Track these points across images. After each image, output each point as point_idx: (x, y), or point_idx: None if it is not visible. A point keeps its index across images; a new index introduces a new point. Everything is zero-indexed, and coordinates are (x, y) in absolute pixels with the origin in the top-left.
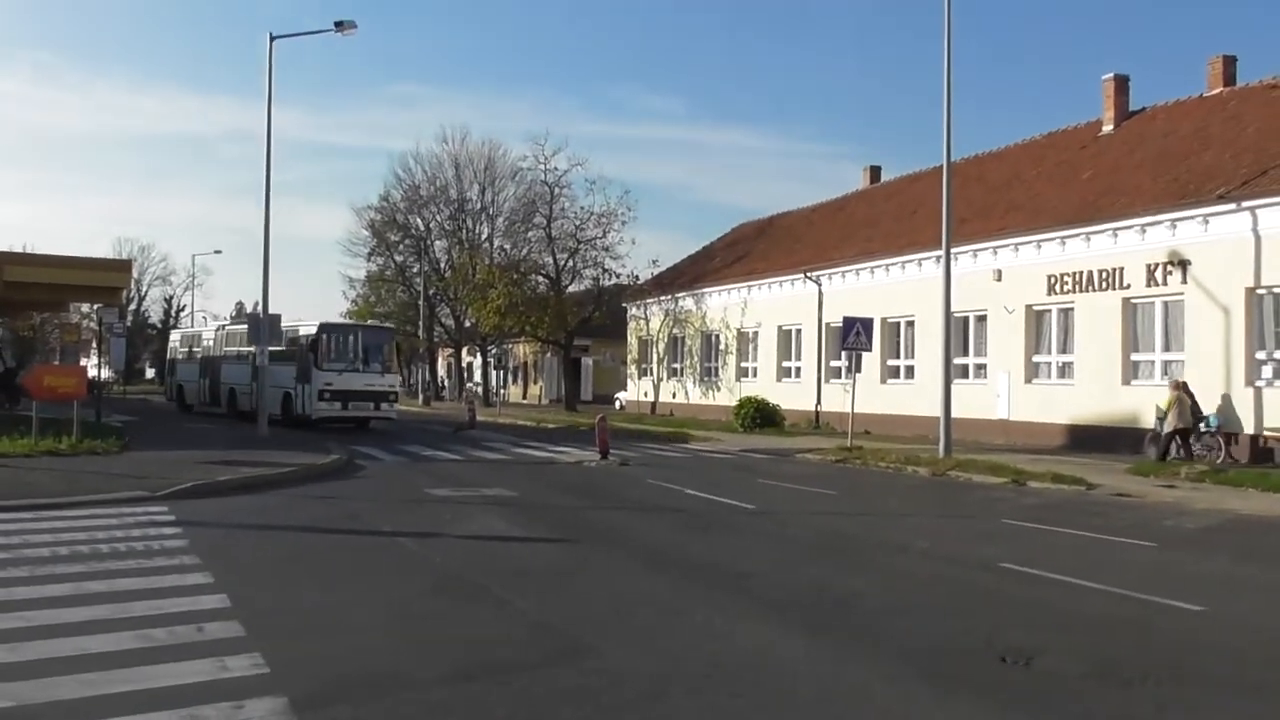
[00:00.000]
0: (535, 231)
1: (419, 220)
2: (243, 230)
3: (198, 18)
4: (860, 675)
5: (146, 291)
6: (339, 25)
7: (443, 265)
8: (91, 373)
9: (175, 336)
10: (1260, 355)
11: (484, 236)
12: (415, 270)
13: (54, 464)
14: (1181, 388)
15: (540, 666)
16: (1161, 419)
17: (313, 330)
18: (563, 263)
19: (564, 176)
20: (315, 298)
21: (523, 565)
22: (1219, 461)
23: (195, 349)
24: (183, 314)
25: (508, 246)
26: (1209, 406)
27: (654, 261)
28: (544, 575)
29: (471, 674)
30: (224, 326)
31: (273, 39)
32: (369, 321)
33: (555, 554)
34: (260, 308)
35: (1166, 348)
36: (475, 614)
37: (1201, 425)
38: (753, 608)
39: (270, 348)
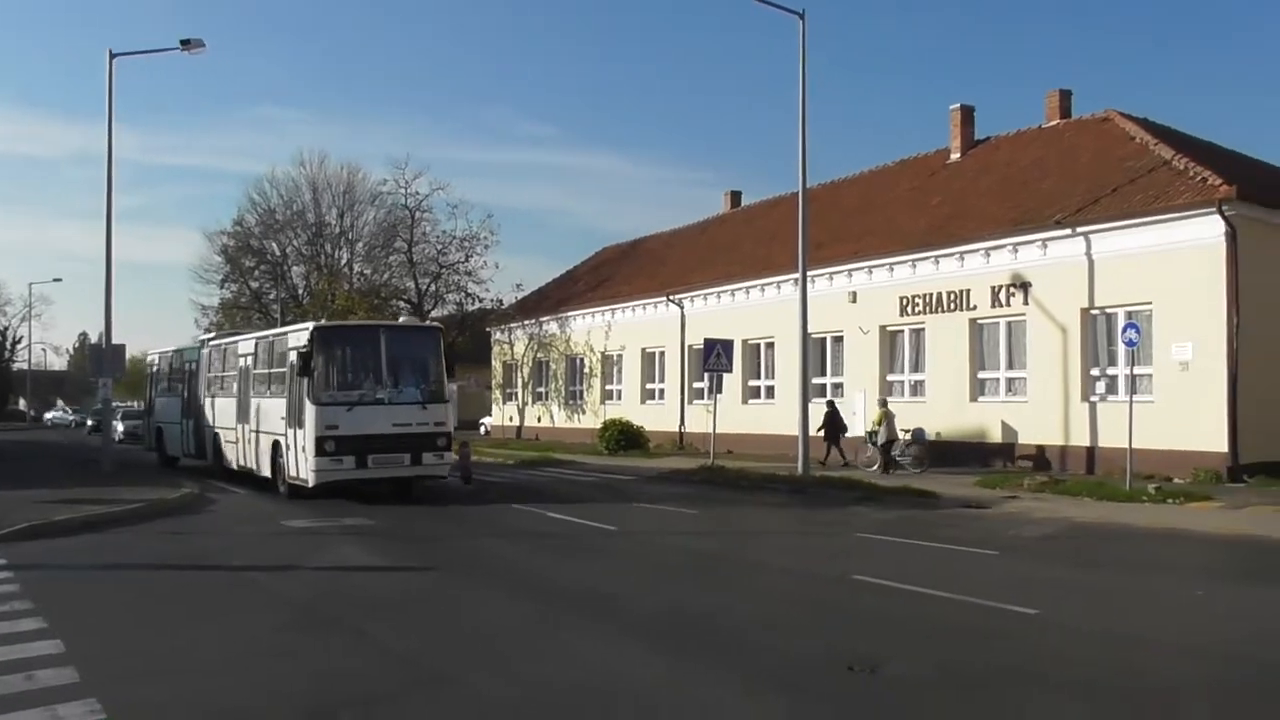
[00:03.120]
0: (396, 256)
1: (275, 245)
2: (86, 258)
3: (37, 35)
4: (719, 692)
5: None
6: (185, 44)
7: (300, 291)
8: None
9: (154, 359)
10: (1094, 372)
11: (343, 261)
12: (272, 297)
13: None
14: (884, 405)
15: (399, 698)
16: (873, 433)
17: (303, 338)
18: (425, 287)
19: (425, 200)
20: (166, 327)
21: (381, 596)
22: (922, 469)
23: (177, 378)
24: (19, 346)
25: (368, 272)
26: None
27: (518, 285)
28: (403, 605)
29: (327, 710)
30: (208, 343)
31: (113, 56)
32: (401, 319)
33: (414, 583)
34: (103, 338)
35: (1010, 365)
36: (331, 648)
37: (906, 437)
38: (615, 630)
39: (265, 371)
